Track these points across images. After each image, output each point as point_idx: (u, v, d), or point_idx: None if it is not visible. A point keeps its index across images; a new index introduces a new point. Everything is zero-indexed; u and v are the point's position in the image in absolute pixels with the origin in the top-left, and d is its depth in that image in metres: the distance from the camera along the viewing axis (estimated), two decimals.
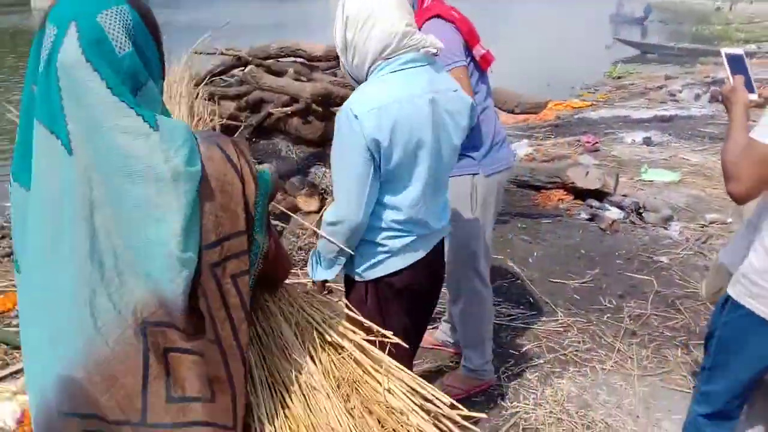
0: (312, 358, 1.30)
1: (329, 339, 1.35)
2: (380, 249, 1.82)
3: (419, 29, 2.18)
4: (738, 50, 1.92)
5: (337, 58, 4.89)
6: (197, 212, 1.02)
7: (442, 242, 2.00)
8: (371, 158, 1.68)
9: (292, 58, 5.13)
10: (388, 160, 1.70)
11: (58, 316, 1.03)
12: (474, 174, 2.53)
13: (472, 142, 2.40)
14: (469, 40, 2.45)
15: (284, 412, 1.22)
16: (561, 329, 3.38)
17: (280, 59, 5.14)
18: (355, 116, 1.65)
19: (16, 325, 3.30)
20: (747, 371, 1.89)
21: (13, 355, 3.06)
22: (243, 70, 5.08)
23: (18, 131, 1.06)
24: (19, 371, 2.93)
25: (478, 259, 2.67)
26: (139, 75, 1.03)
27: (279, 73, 4.94)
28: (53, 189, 1.01)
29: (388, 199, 1.78)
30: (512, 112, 5.13)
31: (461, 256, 2.65)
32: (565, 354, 3.15)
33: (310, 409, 1.23)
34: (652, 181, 5.82)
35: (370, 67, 1.73)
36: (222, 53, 5.35)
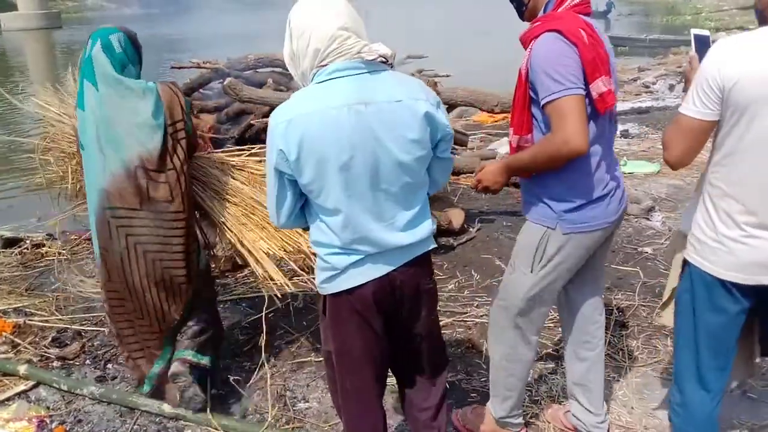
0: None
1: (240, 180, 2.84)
2: (327, 265, 1.80)
3: (535, 38, 1.99)
4: (705, 32, 2.01)
5: None
6: (161, 109, 2.43)
7: (426, 257, 1.89)
8: (281, 170, 1.70)
9: (270, 68, 5.14)
10: (300, 174, 1.68)
11: (97, 165, 2.45)
12: (548, 227, 2.12)
13: (552, 189, 2.09)
14: (590, 70, 1.94)
15: (224, 211, 2.76)
16: (551, 325, 3.41)
17: (258, 70, 5.15)
18: (273, 126, 1.69)
19: (4, 352, 3.26)
20: (704, 333, 1.92)
21: (4, 382, 3.02)
22: (222, 82, 5.07)
23: (78, 87, 2.49)
24: (11, 398, 2.90)
25: (524, 316, 2.25)
26: (123, 63, 2.46)
27: (258, 84, 4.94)
28: (92, 108, 2.42)
29: (321, 215, 1.76)
30: (492, 111, 5.19)
31: (504, 303, 2.31)
32: (557, 349, 3.18)
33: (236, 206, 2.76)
34: (632, 173, 5.90)
35: (309, 75, 1.72)
36: (200, 66, 5.34)
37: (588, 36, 1.97)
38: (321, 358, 3.15)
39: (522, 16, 2.20)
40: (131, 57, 2.48)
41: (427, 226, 1.84)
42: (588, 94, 1.96)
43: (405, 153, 1.69)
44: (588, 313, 2.39)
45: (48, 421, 2.75)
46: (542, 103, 1.95)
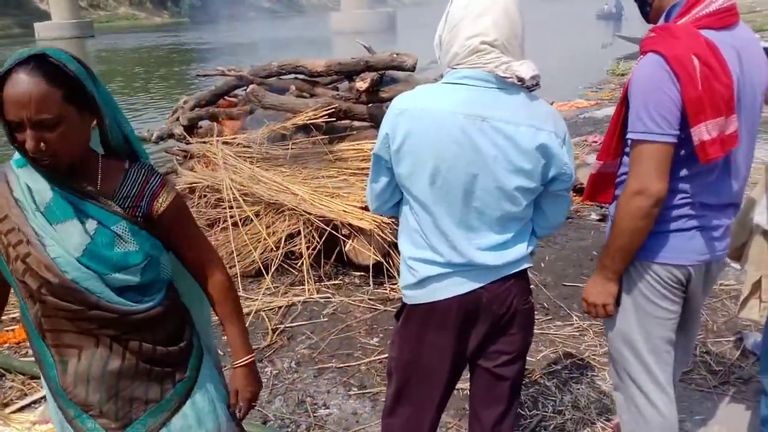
0: None
1: None
2: (411, 270, 1.72)
3: (642, 54, 1.72)
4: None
5: (337, 72, 4.96)
6: None
7: (519, 276, 1.74)
8: (380, 154, 1.69)
9: (293, 75, 5.17)
10: (398, 165, 1.66)
11: None
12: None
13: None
14: (693, 111, 1.61)
15: None
16: (577, 333, 3.36)
17: (281, 77, 5.18)
18: (388, 112, 1.67)
19: (29, 355, 3.32)
20: None
21: (31, 385, 3.07)
22: (246, 89, 5.11)
23: None
24: (38, 401, 2.95)
25: (627, 362, 1.96)
26: None
27: (281, 91, 4.97)
28: None
29: (411, 212, 1.71)
30: None
31: (610, 348, 2.04)
32: (582, 358, 3.12)
33: None
34: None
35: (445, 69, 1.67)
36: (224, 74, 5.40)
37: (703, 65, 1.60)
38: (342, 365, 3.16)
39: (647, 18, 1.89)
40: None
41: (519, 250, 1.70)
42: (688, 138, 1.65)
43: (508, 179, 1.59)
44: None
45: None
46: (627, 136, 1.74)
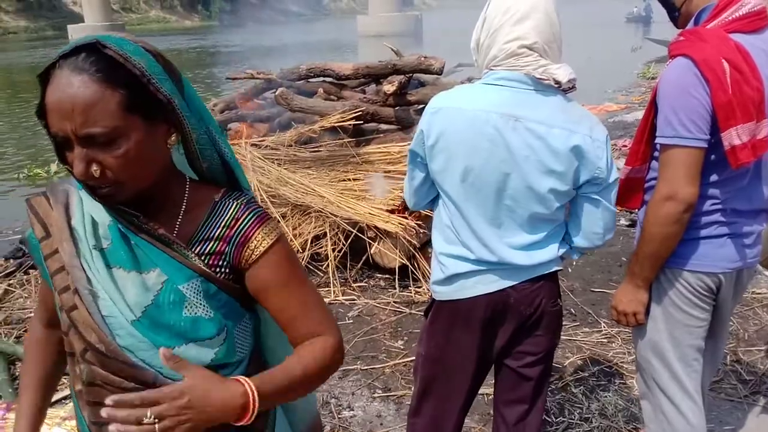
0: None
1: None
2: (442, 266, 1.74)
3: (671, 59, 1.72)
4: None
5: (365, 75, 4.98)
6: None
7: (549, 277, 1.74)
8: (416, 150, 1.72)
9: (321, 78, 5.21)
10: (432, 161, 1.68)
11: None
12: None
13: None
14: (723, 116, 1.60)
15: None
16: (605, 340, 3.32)
17: (309, 80, 5.22)
18: (426, 109, 1.70)
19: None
20: None
21: (62, 381, 3.12)
22: (274, 92, 5.16)
23: None
24: (67, 397, 3.00)
25: (655, 370, 1.93)
26: None
27: (309, 94, 5.01)
28: None
29: (444, 208, 1.72)
30: None
31: (638, 356, 2.01)
32: (610, 366, 3.08)
33: None
34: None
35: (483, 70, 1.68)
36: (253, 77, 5.46)
37: (733, 69, 1.58)
38: (367, 367, 3.17)
39: (676, 23, 1.88)
40: None
41: (550, 251, 1.69)
42: (719, 143, 1.63)
43: (539, 181, 1.59)
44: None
45: None
46: (656, 140, 1.73)
